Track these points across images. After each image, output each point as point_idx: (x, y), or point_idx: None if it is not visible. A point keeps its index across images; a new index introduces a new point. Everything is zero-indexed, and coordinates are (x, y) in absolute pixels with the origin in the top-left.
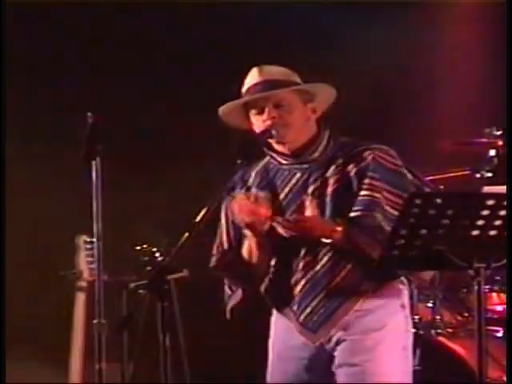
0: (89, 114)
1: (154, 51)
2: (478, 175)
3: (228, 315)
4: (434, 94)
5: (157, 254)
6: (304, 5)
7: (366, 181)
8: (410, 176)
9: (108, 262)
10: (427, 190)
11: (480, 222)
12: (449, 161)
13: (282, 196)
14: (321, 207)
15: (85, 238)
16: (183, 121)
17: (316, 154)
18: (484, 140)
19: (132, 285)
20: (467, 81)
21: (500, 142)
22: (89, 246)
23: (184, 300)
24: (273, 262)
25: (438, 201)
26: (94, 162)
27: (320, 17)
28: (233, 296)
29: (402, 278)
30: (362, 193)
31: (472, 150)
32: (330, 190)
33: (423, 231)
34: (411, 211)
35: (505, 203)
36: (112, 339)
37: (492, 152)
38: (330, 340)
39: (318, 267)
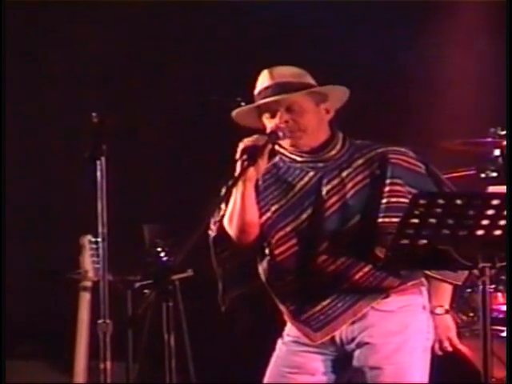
0: (94, 113)
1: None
2: (483, 175)
3: (223, 306)
4: (439, 93)
5: (162, 254)
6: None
7: (390, 186)
8: (429, 175)
9: (113, 262)
10: (447, 189)
11: (485, 222)
12: (454, 160)
13: (290, 194)
14: (340, 209)
15: (90, 237)
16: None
17: (333, 152)
18: (489, 140)
19: (137, 285)
20: (472, 80)
21: (505, 142)
22: (94, 246)
23: (189, 299)
24: (282, 256)
25: (443, 201)
26: (98, 162)
27: (323, 15)
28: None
29: (423, 279)
30: (387, 200)
31: (477, 150)
32: (350, 192)
33: (428, 231)
34: (416, 211)
35: None
36: (117, 339)
37: (497, 152)
38: (352, 340)
39: (333, 267)
